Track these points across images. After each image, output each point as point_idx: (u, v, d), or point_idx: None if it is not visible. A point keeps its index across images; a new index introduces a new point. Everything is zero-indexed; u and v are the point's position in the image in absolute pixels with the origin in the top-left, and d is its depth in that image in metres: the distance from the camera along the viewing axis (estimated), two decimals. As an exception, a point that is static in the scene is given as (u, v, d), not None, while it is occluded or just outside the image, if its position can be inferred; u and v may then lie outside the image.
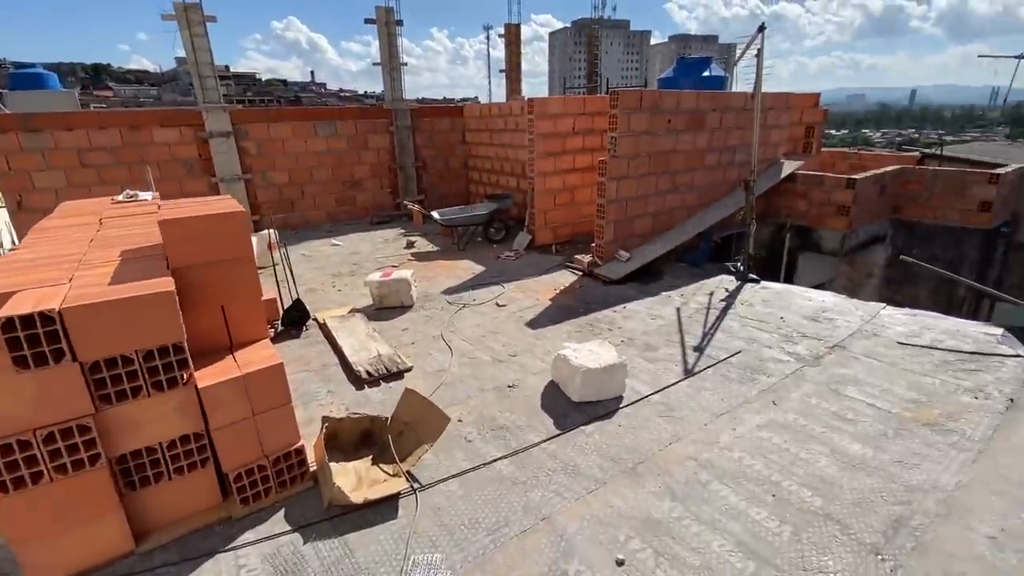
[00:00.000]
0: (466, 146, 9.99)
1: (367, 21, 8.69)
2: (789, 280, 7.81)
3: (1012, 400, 3.21)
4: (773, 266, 7.72)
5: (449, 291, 5.43)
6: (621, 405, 3.21)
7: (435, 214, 7.21)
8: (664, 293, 5.26)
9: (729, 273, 5.78)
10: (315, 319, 4.62)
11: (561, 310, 4.86)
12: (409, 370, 3.68)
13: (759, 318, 4.54)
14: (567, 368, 3.23)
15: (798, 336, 4.17)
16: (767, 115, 7.16)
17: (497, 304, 5.00)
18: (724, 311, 4.74)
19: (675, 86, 10.81)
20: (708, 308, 4.82)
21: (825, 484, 2.53)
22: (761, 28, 5.14)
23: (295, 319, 4.46)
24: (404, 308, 4.92)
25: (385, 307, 4.91)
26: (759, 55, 5.29)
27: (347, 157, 8.85)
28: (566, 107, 6.78)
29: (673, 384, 3.47)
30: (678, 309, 4.81)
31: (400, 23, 8.92)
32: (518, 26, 10.33)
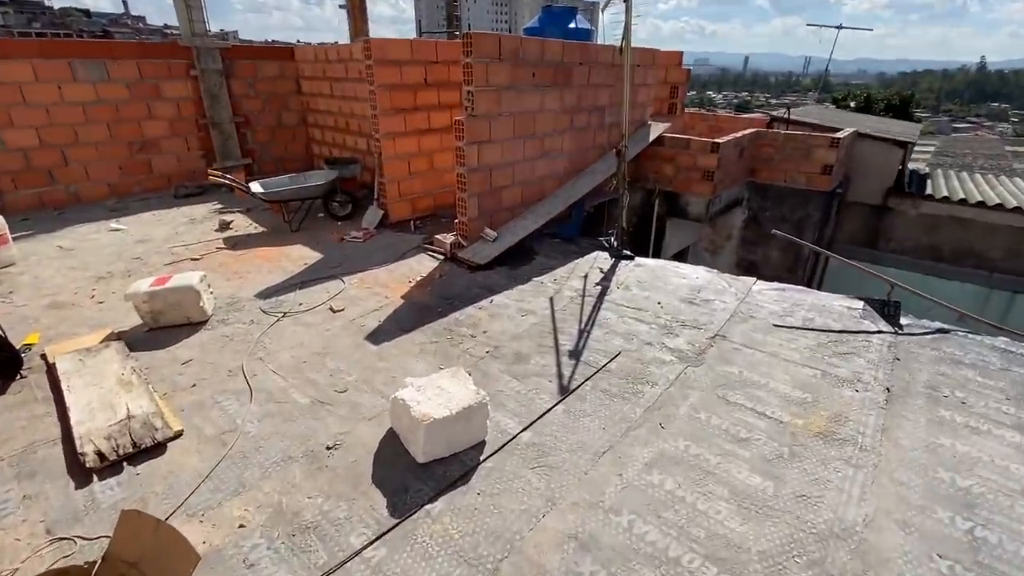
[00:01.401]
0: (303, 98, 8.26)
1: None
2: (658, 246, 7.70)
3: (888, 390, 3.04)
4: (644, 232, 7.52)
5: (267, 293, 4.17)
6: (482, 457, 2.43)
7: (255, 186, 5.68)
8: (536, 279, 4.57)
9: (603, 249, 5.27)
10: (43, 357, 3.14)
11: (415, 311, 3.92)
12: (176, 436, 2.51)
13: (637, 305, 4.05)
14: (407, 418, 2.35)
15: (678, 326, 3.74)
16: (635, 73, 6.67)
17: (332, 309, 3.90)
18: (600, 298, 4.18)
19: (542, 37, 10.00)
20: (583, 296, 4.23)
21: (731, 548, 2.01)
22: (629, -33, 4.44)
23: (-2, 362, 2.95)
24: (193, 326, 3.60)
25: (164, 327, 3.54)
26: (627, 4, 4.61)
27: (131, 109, 6.71)
28: (414, 53, 5.59)
29: (548, 411, 2.78)
30: (551, 299, 4.15)
31: (192, -70, 6.79)
32: (357, -49, 8.62)
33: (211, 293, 3.82)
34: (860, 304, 4.04)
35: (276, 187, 5.78)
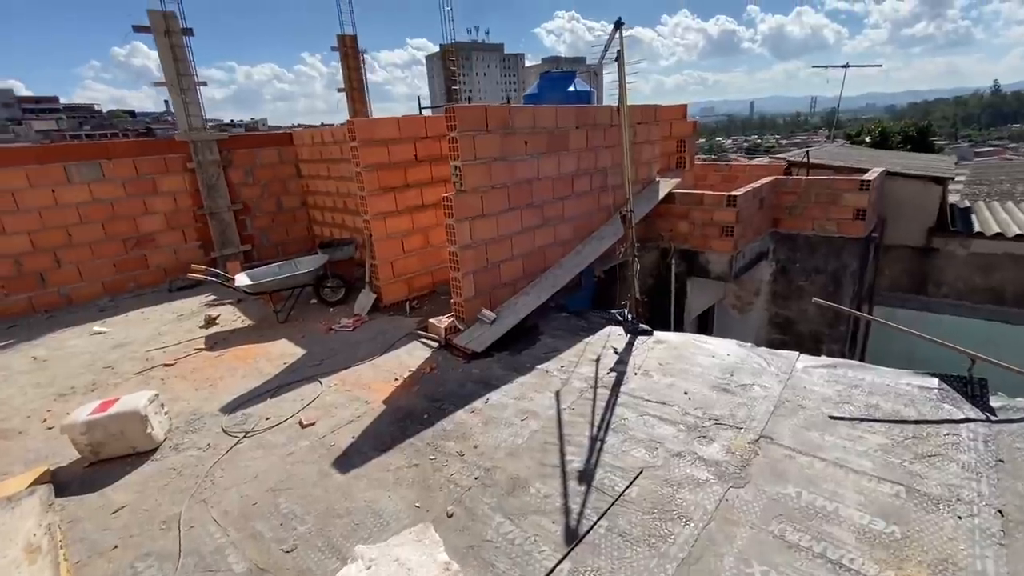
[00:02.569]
0: (303, 180, 8.19)
1: (137, 29, 6.63)
2: (680, 307, 7.06)
3: (1001, 512, 2.29)
4: (662, 291, 6.91)
5: (235, 404, 3.68)
6: (457, 662, 1.78)
7: (241, 278, 5.36)
8: (540, 367, 3.99)
9: (617, 323, 4.69)
10: (-49, 513, 2.65)
11: (396, 421, 3.35)
12: (62, 643, 1.94)
13: (659, 397, 3.40)
14: (350, 614, 1.73)
15: (711, 424, 3.07)
16: (637, 130, 6.35)
17: (301, 423, 3.37)
18: (615, 390, 3.55)
19: (541, 103, 9.95)
20: (595, 387, 3.61)
21: None
22: (618, 25, 4.15)
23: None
24: (140, 456, 3.10)
25: (107, 459, 3.06)
26: (620, 58, 4.29)
27: (126, 207, 6.64)
28: (402, 130, 5.37)
29: (549, 574, 2.12)
30: (557, 394, 3.54)
31: (189, 32, 6.97)
32: (354, 38, 8.81)
33: (165, 414, 3.34)
34: (935, 382, 3.31)
35: (263, 277, 5.45)
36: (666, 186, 6.76)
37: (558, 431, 3.10)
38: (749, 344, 4.12)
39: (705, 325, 8.01)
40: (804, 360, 3.78)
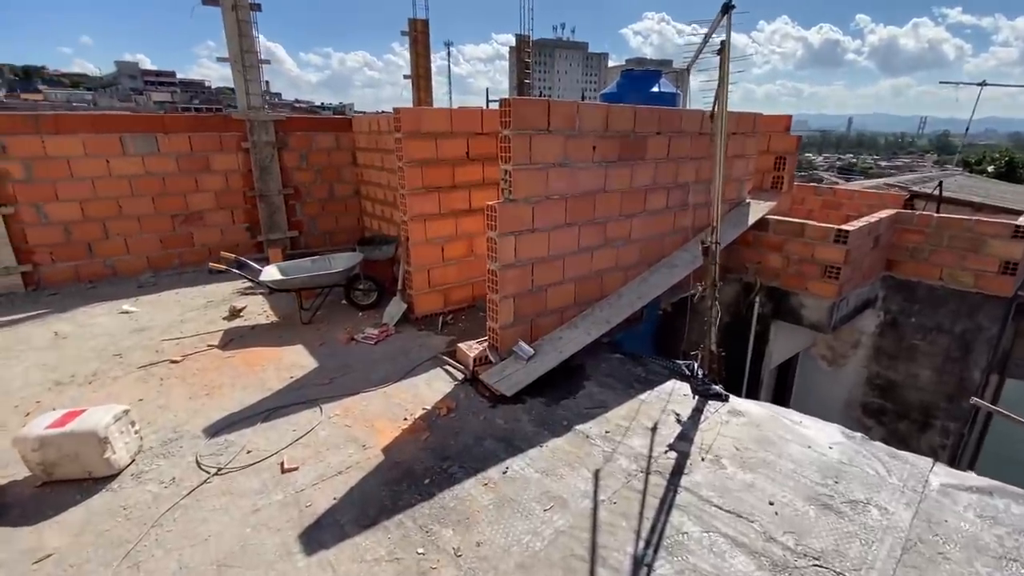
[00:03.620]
0: (357, 169, 7.82)
1: (206, 2, 6.44)
2: (758, 352, 6.01)
3: None
4: (738, 333, 5.89)
5: (221, 425, 3.20)
6: None
7: (270, 271, 4.96)
8: (579, 427, 3.22)
9: (682, 377, 3.82)
10: None
11: (391, 483, 2.71)
12: None
13: (734, 505, 2.54)
14: None
15: (808, 565, 2.19)
16: (730, 142, 5.36)
17: (283, 466, 2.81)
18: (674, 479, 2.72)
19: (620, 103, 9.05)
20: (647, 471, 2.80)
21: None
22: (727, 7, 3.26)
23: None
24: (97, 482, 2.65)
25: (59, 481, 2.63)
26: (724, 49, 3.40)
27: (178, 182, 6.49)
28: (455, 124, 4.73)
29: None
30: (596, 476, 2.76)
31: (258, 7, 6.72)
32: (425, 22, 8.31)
33: (136, 432, 2.89)
34: None
35: (291, 273, 5.03)
36: (758, 210, 5.72)
37: (591, 538, 2.33)
38: (859, 436, 3.12)
39: (785, 376, 6.86)
40: (942, 473, 2.77)
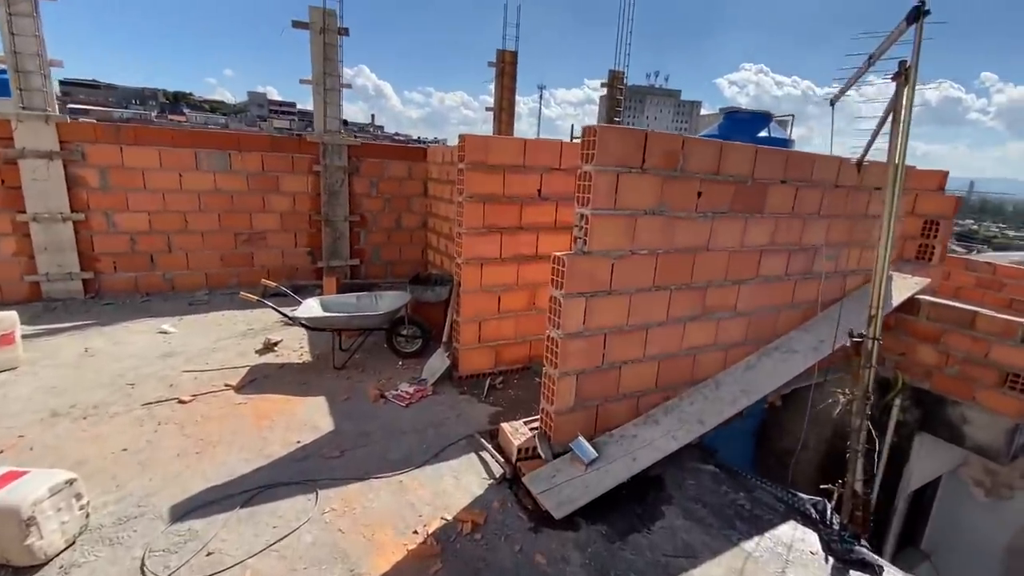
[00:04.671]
0: (427, 200, 7.41)
1: (296, 25, 6.40)
2: (894, 470, 4.62)
3: None
4: (867, 441, 4.53)
5: (191, 505, 2.55)
6: None
7: (310, 304, 4.46)
8: (652, 588, 2.22)
9: (807, 521, 2.70)
10: None
11: (372, 643, 1.88)
12: None
13: None
14: None
15: None
16: (872, 199, 4.24)
17: (240, 587, 2.08)
18: None
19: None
20: None
21: None
22: (917, 13, 2.30)
23: None
24: (15, 572, 2.06)
25: (-29, 565, 2.07)
26: (904, 72, 2.43)
27: (246, 201, 6.35)
28: (528, 157, 4.04)
29: None
30: None
31: (345, 31, 6.61)
32: (514, 54, 7.93)
33: (81, 509, 2.31)
34: None
35: (333, 309, 4.50)
36: (904, 286, 4.45)
37: None
38: None
39: (920, 500, 5.29)
40: None
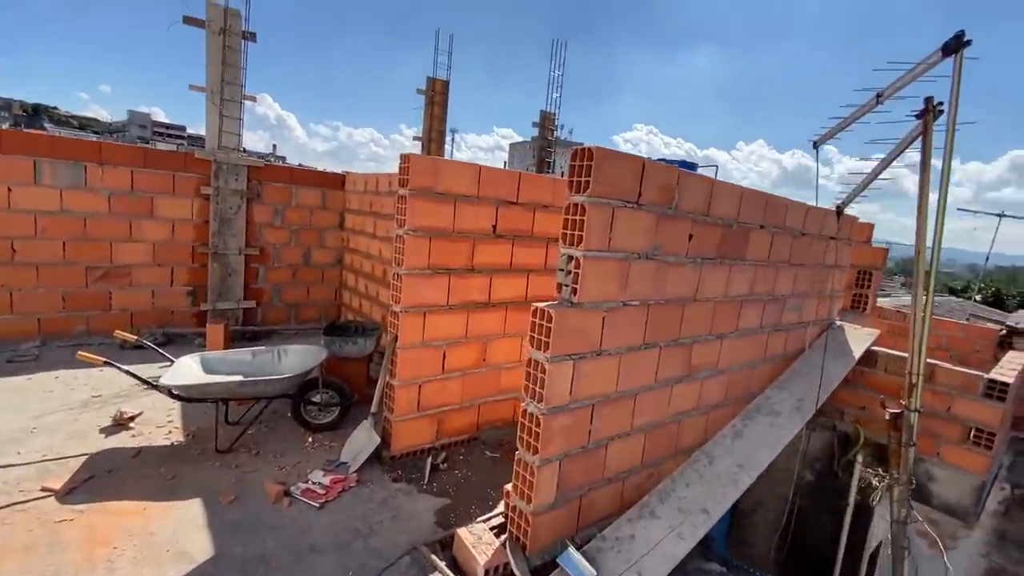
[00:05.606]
0: (343, 234, 6.46)
1: (188, 21, 5.35)
2: (856, 529, 4.39)
3: None
4: (827, 496, 4.30)
5: None
6: None
7: (182, 368, 3.34)
8: None
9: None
10: None
11: None
12: None
13: None
14: None
15: None
16: (828, 248, 4.15)
17: None
18: None
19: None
20: None
21: None
22: (957, 43, 2.05)
23: None
24: None
25: None
26: (935, 111, 2.17)
27: (104, 226, 5.00)
28: (482, 185, 3.41)
29: None
30: None
31: (251, 36, 5.67)
32: (445, 83, 7.43)
33: None
34: None
35: (218, 370, 3.42)
36: (858, 337, 4.38)
37: None
38: None
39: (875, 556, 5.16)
40: None
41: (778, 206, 3.43)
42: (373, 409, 3.27)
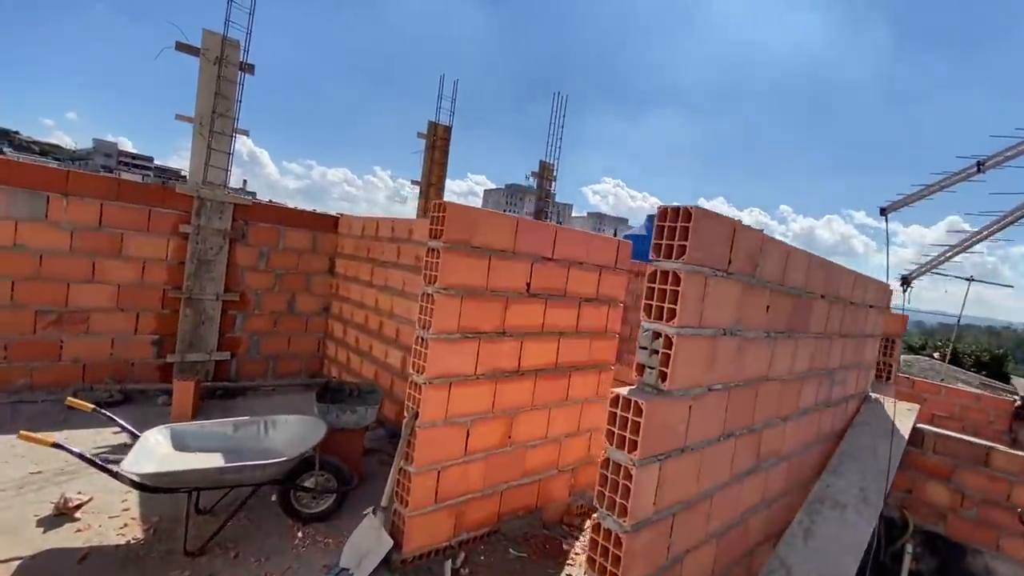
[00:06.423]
0: (333, 280, 5.95)
1: (180, 48, 4.96)
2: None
3: None
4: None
5: None
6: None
7: (153, 443, 2.73)
8: None
9: None
10: None
11: None
12: None
13: None
14: None
15: None
16: (868, 315, 3.93)
17: None
18: None
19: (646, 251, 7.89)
20: None
21: None
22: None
23: None
24: None
25: None
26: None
27: (62, 265, 4.38)
28: (519, 239, 3.04)
29: None
30: None
31: (250, 68, 5.31)
32: (448, 129, 7.20)
33: None
34: None
35: (194, 446, 2.82)
36: (902, 413, 4.10)
37: None
38: None
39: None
40: None
41: (836, 273, 3.18)
42: (383, 502, 2.71)
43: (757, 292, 2.34)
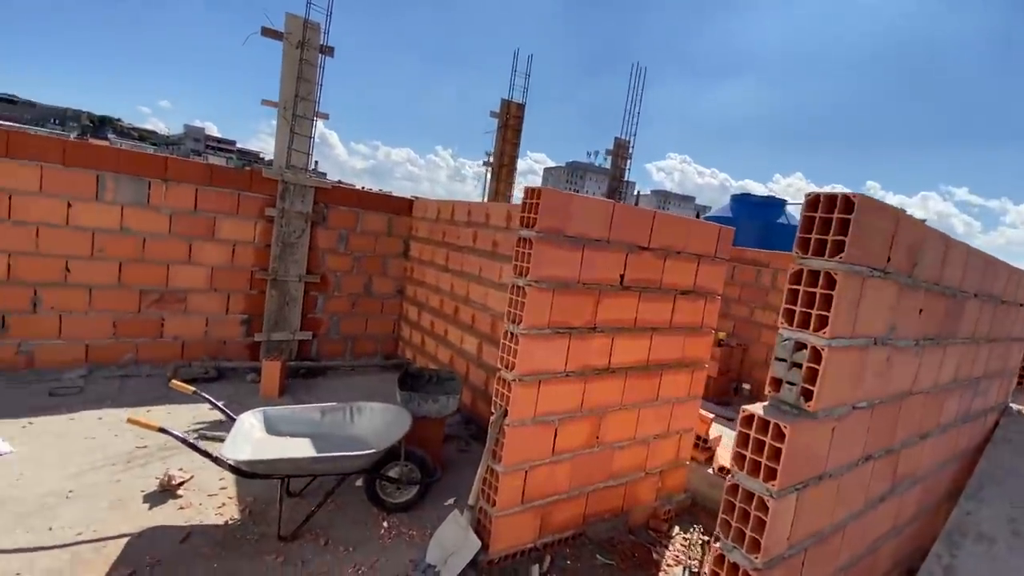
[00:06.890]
0: (408, 263, 5.96)
1: (266, 33, 5.03)
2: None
3: None
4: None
5: None
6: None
7: (248, 427, 2.79)
8: None
9: None
10: None
11: None
12: None
13: None
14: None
15: None
16: (1017, 315, 3.35)
17: None
18: None
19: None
20: None
21: None
22: None
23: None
24: None
25: None
26: None
27: (163, 247, 4.62)
28: (615, 226, 2.79)
29: None
30: None
31: (330, 51, 5.31)
32: (521, 107, 6.96)
33: None
34: None
35: (285, 429, 2.86)
36: (1052, 430, 3.50)
37: None
38: None
39: None
40: None
41: (991, 269, 2.69)
42: (470, 500, 2.62)
43: (912, 294, 1.98)
